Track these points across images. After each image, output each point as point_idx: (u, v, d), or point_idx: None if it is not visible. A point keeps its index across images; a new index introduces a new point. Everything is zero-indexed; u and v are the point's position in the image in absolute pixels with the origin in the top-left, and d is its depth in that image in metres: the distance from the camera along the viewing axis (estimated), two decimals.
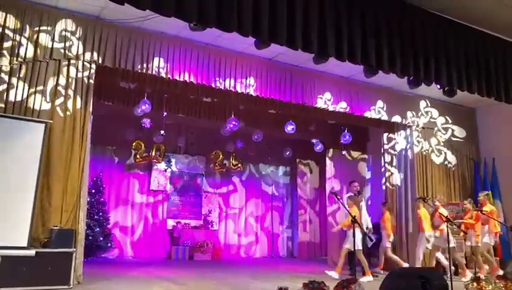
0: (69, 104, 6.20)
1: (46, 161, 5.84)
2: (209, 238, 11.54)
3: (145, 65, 6.75)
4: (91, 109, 6.49)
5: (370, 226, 8.63)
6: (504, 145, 9.66)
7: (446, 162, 9.71)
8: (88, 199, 10.07)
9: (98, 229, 9.89)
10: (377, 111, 8.83)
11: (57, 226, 5.64)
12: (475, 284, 4.77)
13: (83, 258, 6.08)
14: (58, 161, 5.95)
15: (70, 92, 6.24)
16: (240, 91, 7.49)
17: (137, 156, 10.72)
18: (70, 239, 5.62)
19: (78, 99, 6.29)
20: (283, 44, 5.03)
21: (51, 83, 6.14)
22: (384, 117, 8.97)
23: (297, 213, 12.85)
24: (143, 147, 10.71)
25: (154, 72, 6.84)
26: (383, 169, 10.03)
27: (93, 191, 10.18)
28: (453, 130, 9.90)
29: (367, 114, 8.71)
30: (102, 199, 10.24)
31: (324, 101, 8.23)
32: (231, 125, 8.34)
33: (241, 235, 12.51)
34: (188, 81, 7.13)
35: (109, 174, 11.00)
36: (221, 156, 11.76)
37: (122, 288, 6.04)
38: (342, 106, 8.44)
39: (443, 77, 6.03)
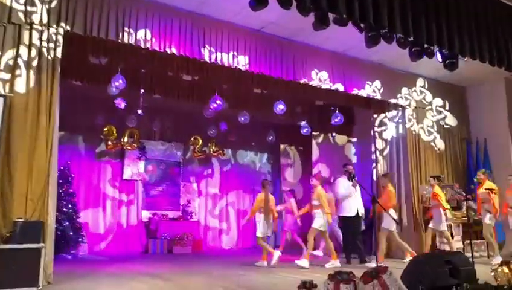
0: (32, 78, 5.29)
1: (6, 143, 4.96)
2: (189, 230, 10.78)
3: (120, 33, 5.91)
4: (59, 86, 5.60)
5: (363, 211, 8.14)
6: (495, 125, 9.41)
7: (438, 143, 9.36)
8: None
9: (67, 222, 8.96)
10: (371, 89, 8.31)
11: (21, 218, 4.77)
12: (504, 267, 4.30)
13: (53, 254, 5.25)
14: (21, 142, 5.07)
15: (34, 65, 5.33)
16: (225, 65, 6.76)
17: (109, 143, 9.78)
18: (38, 233, 4.77)
19: (44, 73, 5.40)
20: (289, 2, 4.37)
21: (10, 53, 5.23)
22: (378, 96, 8.48)
23: (281, 201, 12.23)
24: (115, 132, 9.79)
25: (130, 42, 6.02)
26: (373, 155, 9.59)
27: (61, 181, 9.21)
28: (444, 111, 9.56)
29: (361, 92, 8.18)
30: (71, 190, 9.29)
31: (317, 77, 7.63)
32: (215, 105, 7.57)
33: (222, 226, 11.81)
34: (168, 52, 6.34)
35: (78, 163, 10.03)
36: (200, 142, 10.99)
37: (101, 286, 5.24)
38: (335, 83, 7.86)
39: (455, 44, 5.55)
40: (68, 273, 6.18)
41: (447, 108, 9.61)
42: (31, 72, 5.29)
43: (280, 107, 8.02)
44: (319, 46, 7.65)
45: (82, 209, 9.80)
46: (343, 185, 7.89)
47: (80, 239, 9.19)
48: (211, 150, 11.12)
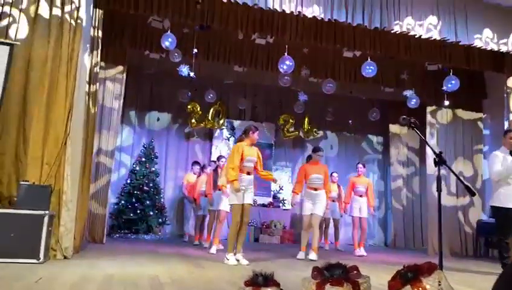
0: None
1: (22, 99, 4.54)
2: (279, 218, 9.72)
3: None
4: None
5: None
6: None
7: None
8: (137, 169, 9.01)
9: (148, 202, 8.71)
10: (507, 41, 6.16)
11: (27, 181, 4.29)
12: None
13: (74, 225, 4.71)
14: (37, 96, 4.54)
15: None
16: (292, 11, 5.50)
17: (192, 121, 9.25)
18: (43, 198, 4.23)
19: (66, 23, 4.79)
20: None
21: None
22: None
23: (391, 193, 10.33)
24: (199, 110, 9.23)
25: None
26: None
27: (144, 159, 9.04)
28: None
29: (491, 45, 6.11)
30: (153, 169, 9.04)
31: (423, 25, 5.86)
32: (285, 67, 6.33)
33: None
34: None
35: (166, 142, 9.79)
36: (291, 121, 9.81)
37: (112, 266, 4.46)
38: (445, 32, 5.97)
39: None
40: (109, 251, 5.68)
41: None
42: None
43: (368, 69, 6.37)
44: None
45: (167, 192, 9.51)
46: (499, 160, 5.16)
47: (161, 220, 8.87)
48: (305, 130, 9.84)
